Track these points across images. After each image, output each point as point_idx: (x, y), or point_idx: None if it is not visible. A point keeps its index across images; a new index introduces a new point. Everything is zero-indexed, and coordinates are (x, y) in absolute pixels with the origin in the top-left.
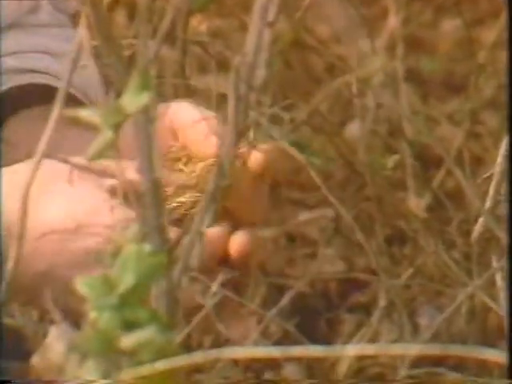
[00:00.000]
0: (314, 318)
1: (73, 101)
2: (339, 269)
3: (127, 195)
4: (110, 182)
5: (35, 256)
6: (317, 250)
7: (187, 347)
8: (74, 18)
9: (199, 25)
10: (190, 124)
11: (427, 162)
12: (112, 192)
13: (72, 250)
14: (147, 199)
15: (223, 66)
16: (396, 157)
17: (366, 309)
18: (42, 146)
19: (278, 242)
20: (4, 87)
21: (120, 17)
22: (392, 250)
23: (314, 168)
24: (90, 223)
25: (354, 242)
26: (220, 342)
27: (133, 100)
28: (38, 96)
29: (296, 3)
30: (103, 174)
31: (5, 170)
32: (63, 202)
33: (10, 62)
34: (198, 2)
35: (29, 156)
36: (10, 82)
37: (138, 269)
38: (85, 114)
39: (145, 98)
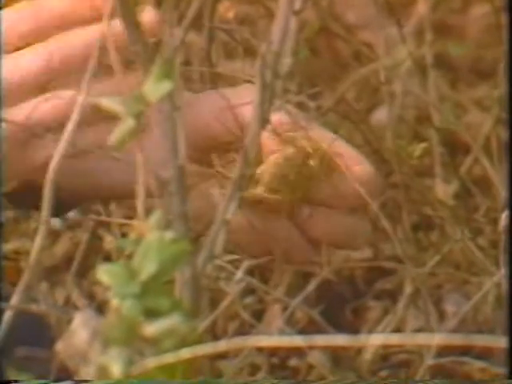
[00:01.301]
0: (340, 304)
1: None
2: (366, 256)
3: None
4: None
5: None
6: None
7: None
8: None
9: (226, 11)
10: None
11: (455, 148)
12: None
13: None
14: (171, 187)
15: (250, 52)
16: (423, 145)
17: (393, 296)
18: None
19: None
20: None
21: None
22: (418, 237)
23: None
24: None
25: (381, 228)
26: (245, 329)
27: (155, 88)
28: None
29: None
30: None
31: None
32: None
33: None
34: None
35: None
36: None
37: (159, 256)
38: (106, 102)
39: (167, 86)
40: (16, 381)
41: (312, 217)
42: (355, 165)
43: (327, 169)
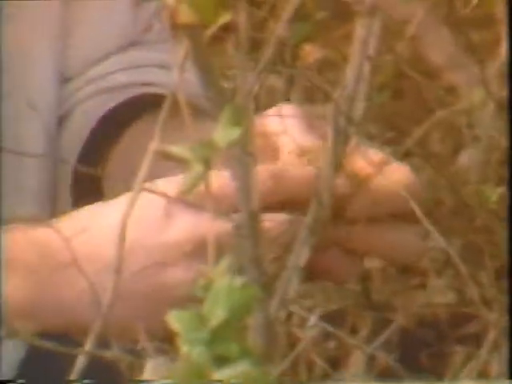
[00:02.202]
0: (423, 349)
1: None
2: (450, 300)
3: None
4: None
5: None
6: (426, 280)
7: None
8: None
9: (307, 56)
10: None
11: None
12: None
13: (169, 283)
14: (244, 231)
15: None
16: (500, 189)
17: (477, 340)
18: (141, 177)
19: (386, 272)
20: (115, 101)
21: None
22: (502, 282)
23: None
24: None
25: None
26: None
27: (225, 134)
28: (153, 105)
29: (400, 34)
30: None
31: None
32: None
33: (121, 77)
34: (297, 36)
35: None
36: (123, 96)
37: (229, 303)
38: (176, 149)
39: (237, 132)
40: (10, 381)
41: (351, 232)
42: (392, 171)
43: (359, 180)
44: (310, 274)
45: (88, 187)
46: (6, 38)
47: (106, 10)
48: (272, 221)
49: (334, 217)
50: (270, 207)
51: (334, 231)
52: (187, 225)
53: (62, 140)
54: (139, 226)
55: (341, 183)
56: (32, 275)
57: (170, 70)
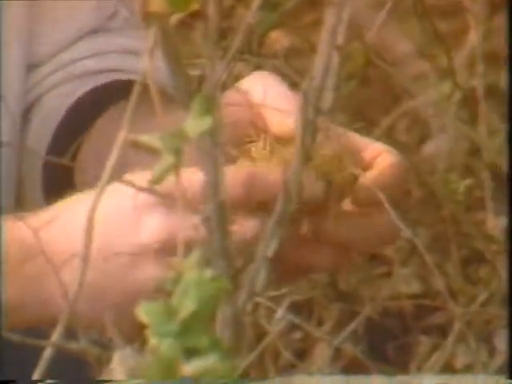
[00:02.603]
0: (388, 339)
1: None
2: (415, 290)
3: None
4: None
5: (100, 279)
6: (392, 269)
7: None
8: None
9: (275, 43)
10: (270, 99)
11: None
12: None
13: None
14: (212, 223)
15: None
16: (468, 182)
17: (442, 331)
18: (109, 167)
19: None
20: (84, 89)
21: (198, 34)
22: (468, 271)
23: None
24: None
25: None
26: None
27: (195, 124)
28: (124, 92)
29: (368, 24)
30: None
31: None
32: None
33: (90, 64)
34: (265, 24)
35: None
36: (92, 82)
37: (198, 295)
38: (146, 139)
39: (208, 123)
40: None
41: (326, 224)
42: (377, 156)
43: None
44: (295, 271)
45: (59, 177)
46: None
47: None
48: (244, 225)
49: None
50: (242, 210)
51: (315, 224)
52: (156, 222)
53: (31, 129)
54: (108, 225)
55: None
56: (13, 271)
57: (139, 56)
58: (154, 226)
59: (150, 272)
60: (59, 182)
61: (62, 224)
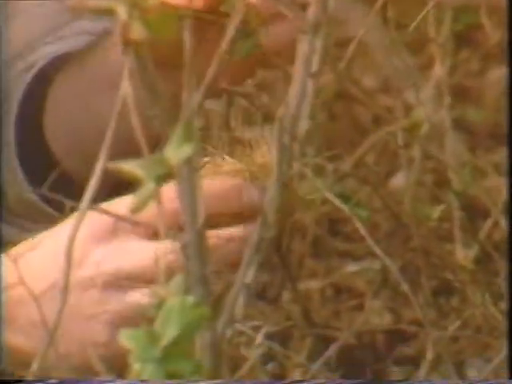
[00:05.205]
0: (361, 370)
1: None
2: (386, 321)
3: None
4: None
5: (77, 308)
6: (364, 301)
7: None
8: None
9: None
10: None
11: (474, 213)
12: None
13: (116, 303)
14: (191, 250)
15: (269, 117)
16: (441, 207)
17: (414, 361)
18: (86, 200)
19: (324, 293)
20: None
21: None
22: (439, 301)
23: (360, 219)
24: (137, 276)
25: (402, 293)
26: None
27: (176, 152)
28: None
29: (340, 54)
30: (146, 225)
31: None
32: (109, 254)
33: (50, 48)
34: (241, 52)
35: None
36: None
37: (181, 321)
38: (128, 166)
39: (188, 150)
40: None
41: None
42: None
43: None
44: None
45: (33, 148)
46: None
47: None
48: (216, 237)
49: None
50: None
51: None
52: (102, 255)
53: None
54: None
55: None
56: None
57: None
58: (100, 258)
59: (100, 305)
60: (34, 151)
61: (39, 252)
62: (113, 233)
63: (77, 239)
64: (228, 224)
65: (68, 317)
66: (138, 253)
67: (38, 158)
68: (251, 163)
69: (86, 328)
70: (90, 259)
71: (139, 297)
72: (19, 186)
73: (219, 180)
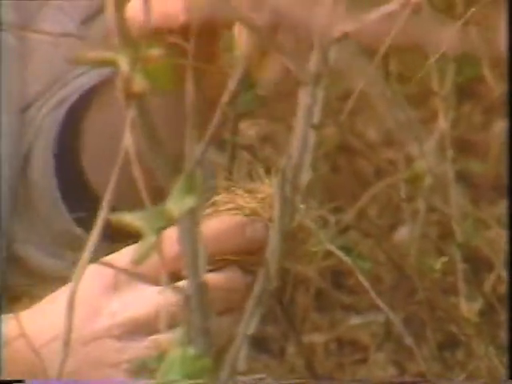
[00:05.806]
0: None
1: None
2: (390, 374)
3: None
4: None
5: (98, 358)
6: (368, 354)
7: None
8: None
9: (248, 129)
10: None
11: (478, 265)
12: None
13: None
14: (193, 302)
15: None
16: (444, 259)
17: None
18: (87, 254)
19: (328, 346)
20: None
21: None
22: (444, 354)
23: (362, 271)
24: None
25: (405, 346)
26: None
27: (178, 204)
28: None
29: (342, 107)
30: (147, 277)
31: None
32: (124, 304)
33: (82, 81)
34: (246, 106)
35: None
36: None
37: (183, 373)
38: (129, 218)
39: (190, 202)
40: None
41: None
42: None
43: None
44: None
45: (71, 177)
46: None
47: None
48: (216, 279)
49: None
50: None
51: None
52: (116, 307)
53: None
54: (77, 309)
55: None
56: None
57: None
58: (115, 309)
59: (116, 355)
60: (73, 183)
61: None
62: (125, 282)
63: (91, 290)
64: (235, 262)
65: (89, 367)
66: (152, 300)
67: (77, 191)
68: (252, 199)
69: (107, 377)
70: (106, 310)
71: (155, 343)
72: (62, 219)
73: (220, 219)
